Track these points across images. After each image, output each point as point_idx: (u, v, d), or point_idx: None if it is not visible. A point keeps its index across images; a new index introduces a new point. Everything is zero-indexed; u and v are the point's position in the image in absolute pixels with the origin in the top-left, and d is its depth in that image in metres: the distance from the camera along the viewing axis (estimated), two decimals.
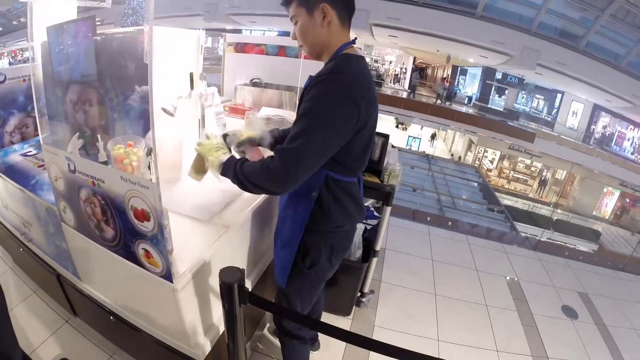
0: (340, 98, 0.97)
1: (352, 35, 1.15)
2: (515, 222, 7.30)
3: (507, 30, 11.62)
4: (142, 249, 1.13)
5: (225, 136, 1.28)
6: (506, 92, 16.63)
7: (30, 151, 2.20)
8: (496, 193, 10.20)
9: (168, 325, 1.33)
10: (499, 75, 16.38)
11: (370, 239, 2.18)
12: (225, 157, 1.14)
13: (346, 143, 1.04)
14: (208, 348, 1.35)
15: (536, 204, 13.54)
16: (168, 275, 1.12)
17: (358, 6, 1.13)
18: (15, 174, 1.93)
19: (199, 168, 1.25)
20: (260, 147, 1.34)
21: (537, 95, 16.47)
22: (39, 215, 1.76)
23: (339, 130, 0.99)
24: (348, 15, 1.10)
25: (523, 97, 16.70)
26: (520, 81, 16.10)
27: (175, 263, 1.11)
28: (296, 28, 1.10)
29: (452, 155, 17.87)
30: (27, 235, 1.98)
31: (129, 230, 1.13)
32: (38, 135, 2.36)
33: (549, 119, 15.94)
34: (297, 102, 1.07)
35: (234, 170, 1.07)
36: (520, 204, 13.23)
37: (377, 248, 2.16)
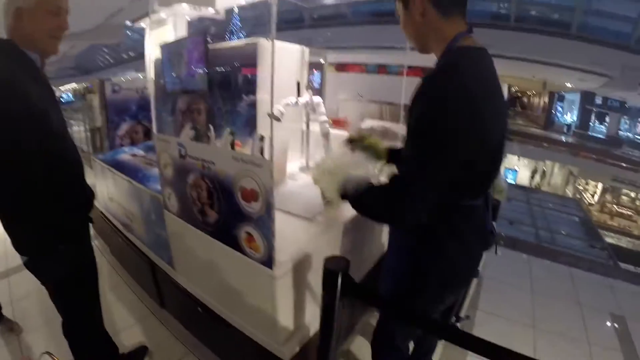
0: (459, 101, 0.79)
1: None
2: (619, 263, 6.36)
3: (604, 49, 10.48)
4: (245, 232, 1.11)
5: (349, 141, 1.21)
6: (607, 117, 15.03)
7: (140, 152, 2.41)
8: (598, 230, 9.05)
9: (259, 317, 1.28)
10: (598, 100, 14.92)
11: None
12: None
13: (470, 157, 0.85)
14: (296, 348, 1.28)
15: None
16: (268, 261, 1.09)
17: None
18: (123, 168, 2.11)
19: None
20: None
21: None
22: (142, 204, 1.88)
23: (462, 142, 0.82)
24: (452, 2, 0.91)
25: (626, 123, 14.95)
26: (622, 105, 14.48)
27: (275, 251, 1.08)
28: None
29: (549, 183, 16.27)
30: (128, 226, 2.13)
31: (234, 213, 1.13)
32: (146, 140, 2.62)
33: None
34: (408, 112, 0.89)
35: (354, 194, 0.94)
36: (624, 242, 11.64)
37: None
